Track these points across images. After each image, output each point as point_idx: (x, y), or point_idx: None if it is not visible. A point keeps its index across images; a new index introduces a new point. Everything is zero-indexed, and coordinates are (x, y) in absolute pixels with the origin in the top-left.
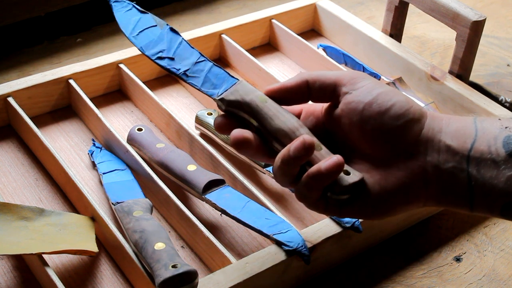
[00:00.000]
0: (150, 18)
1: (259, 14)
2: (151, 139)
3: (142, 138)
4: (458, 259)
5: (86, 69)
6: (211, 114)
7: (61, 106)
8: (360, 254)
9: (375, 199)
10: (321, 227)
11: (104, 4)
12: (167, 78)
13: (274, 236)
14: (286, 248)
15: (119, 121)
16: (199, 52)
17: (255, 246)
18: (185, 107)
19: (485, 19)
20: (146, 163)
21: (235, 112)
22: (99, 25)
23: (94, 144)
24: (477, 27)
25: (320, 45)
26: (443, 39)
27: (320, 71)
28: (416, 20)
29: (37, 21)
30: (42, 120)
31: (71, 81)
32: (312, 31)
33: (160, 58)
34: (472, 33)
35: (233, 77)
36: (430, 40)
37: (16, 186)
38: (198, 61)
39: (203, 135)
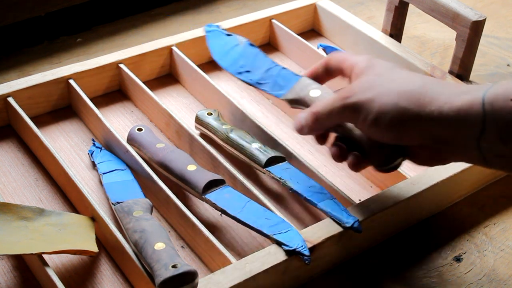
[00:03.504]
0: (234, 39)
1: (259, 14)
2: (151, 139)
3: (142, 138)
4: (458, 259)
5: (86, 69)
6: (211, 114)
7: (61, 106)
8: (360, 254)
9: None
10: (321, 227)
11: (104, 4)
12: (167, 78)
13: (274, 236)
14: (286, 248)
15: (119, 121)
16: (271, 60)
17: (255, 246)
18: (185, 107)
19: (485, 19)
20: (146, 163)
21: (300, 108)
22: (99, 25)
23: (94, 144)
24: (477, 27)
25: (320, 45)
26: (443, 39)
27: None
28: (416, 20)
29: (37, 21)
30: (42, 120)
31: (71, 81)
32: (312, 31)
33: (240, 73)
34: (472, 33)
35: (297, 75)
36: (430, 40)
37: (16, 186)
38: (269, 67)
39: (203, 135)
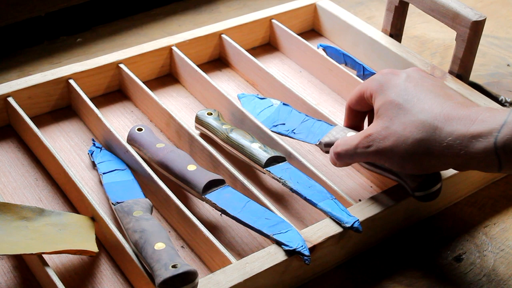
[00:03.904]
0: (268, 101)
1: (259, 14)
2: (151, 139)
3: (142, 138)
4: (458, 259)
5: (86, 69)
6: (211, 114)
7: (61, 106)
8: (360, 254)
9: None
10: (321, 227)
11: (104, 4)
12: (167, 78)
13: (274, 236)
14: (286, 248)
15: (119, 121)
16: (305, 114)
17: (255, 246)
18: (185, 107)
19: (485, 19)
20: (146, 163)
21: None
22: (99, 25)
23: (94, 144)
24: (477, 27)
25: (320, 45)
26: (443, 39)
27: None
28: (416, 20)
29: (37, 21)
30: (42, 120)
31: (71, 81)
32: (312, 31)
33: (275, 125)
34: (472, 33)
35: (331, 124)
36: (430, 40)
37: (16, 186)
38: (303, 121)
39: (203, 135)
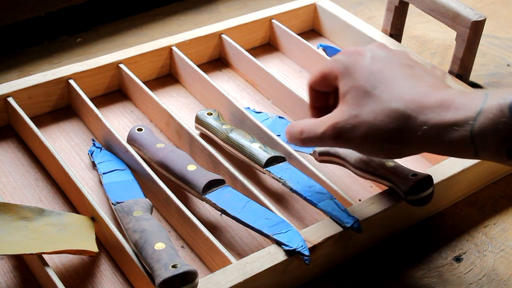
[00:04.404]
0: (264, 114)
1: (259, 14)
2: (151, 139)
3: (142, 138)
4: (458, 259)
5: (86, 69)
6: (211, 114)
7: (61, 106)
8: (360, 254)
9: None
10: (321, 227)
11: (104, 4)
12: (167, 78)
13: (274, 236)
14: (286, 248)
15: (119, 121)
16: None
17: (255, 246)
18: (185, 107)
19: (485, 19)
20: (146, 163)
21: (330, 161)
22: (99, 25)
23: (94, 144)
24: (477, 27)
25: (320, 45)
26: (443, 39)
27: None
28: (416, 20)
29: (37, 21)
30: (42, 120)
31: (71, 81)
32: (312, 31)
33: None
34: (472, 33)
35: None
36: (430, 40)
37: (16, 186)
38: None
39: (203, 135)
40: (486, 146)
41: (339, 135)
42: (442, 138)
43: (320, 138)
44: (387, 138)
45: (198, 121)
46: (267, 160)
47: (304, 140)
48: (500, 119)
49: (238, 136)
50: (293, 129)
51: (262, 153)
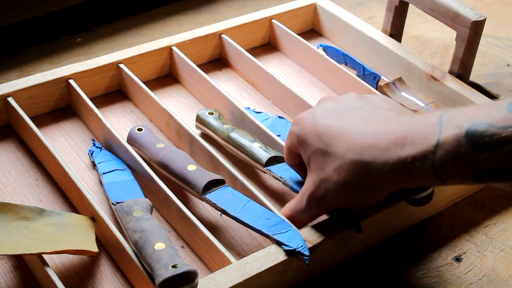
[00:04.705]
0: (264, 114)
1: (259, 14)
2: (151, 139)
3: (142, 138)
4: (458, 259)
5: (86, 69)
6: (212, 113)
7: (61, 106)
8: (360, 254)
9: None
10: (321, 227)
11: (104, 4)
12: (167, 78)
13: (274, 236)
14: (286, 248)
15: (119, 121)
16: None
17: (255, 246)
18: (185, 107)
19: (485, 19)
20: (146, 163)
21: None
22: (99, 25)
23: (94, 144)
24: (477, 27)
25: (320, 45)
26: (443, 39)
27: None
28: (416, 20)
29: (37, 21)
30: (42, 120)
31: (71, 81)
32: (312, 31)
33: None
34: (472, 33)
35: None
36: (430, 40)
37: (16, 186)
38: None
39: (203, 135)
40: (451, 175)
41: (318, 203)
42: (406, 175)
43: (308, 213)
44: (354, 189)
45: (199, 120)
46: (267, 160)
47: (298, 221)
48: (459, 150)
49: (239, 136)
50: (285, 216)
51: (263, 153)
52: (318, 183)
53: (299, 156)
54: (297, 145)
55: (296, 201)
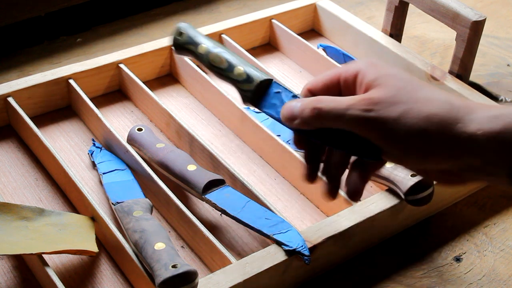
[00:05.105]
0: (264, 114)
1: (259, 14)
2: (151, 139)
3: (142, 138)
4: (458, 259)
5: (86, 69)
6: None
7: (61, 106)
8: (360, 254)
9: None
10: (321, 227)
11: (104, 4)
12: (167, 78)
13: (274, 236)
14: (286, 248)
15: (119, 121)
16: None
17: (255, 246)
18: (185, 107)
19: (485, 19)
20: (146, 163)
21: None
22: (99, 25)
23: (94, 144)
24: (477, 27)
25: (320, 45)
26: (443, 39)
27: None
28: (416, 20)
29: (37, 21)
30: (42, 120)
31: (71, 81)
32: (312, 31)
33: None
34: (472, 33)
35: None
36: (430, 40)
37: (16, 186)
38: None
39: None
40: None
41: (371, 109)
42: (484, 130)
43: (345, 109)
44: (426, 124)
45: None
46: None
47: (322, 109)
48: None
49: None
50: (305, 102)
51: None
52: (385, 96)
53: (337, 86)
54: (360, 68)
55: (332, 98)
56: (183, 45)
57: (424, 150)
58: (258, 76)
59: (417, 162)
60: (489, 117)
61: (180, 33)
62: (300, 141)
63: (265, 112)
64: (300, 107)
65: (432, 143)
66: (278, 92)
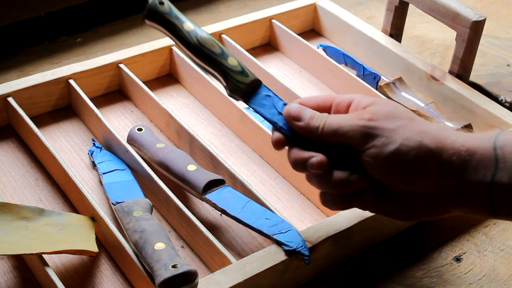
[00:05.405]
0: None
1: (259, 14)
2: (151, 139)
3: (142, 138)
4: (458, 259)
5: (86, 69)
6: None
7: (61, 106)
8: (360, 254)
9: (397, 200)
10: (321, 227)
11: (104, 4)
12: (167, 78)
13: (274, 236)
14: (286, 248)
15: (119, 121)
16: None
17: (255, 246)
18: (185, 107)
19: (485, 19)
20: (146, 163)
21: None
22: (99, 25)
23: (94, 144)
24: (477, 27)
25: (320, 45)
26: (443, 39)
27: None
28: (416, 20)
29: (37, 21)
30: (42, 120)
31: (71, 81)
32: (312, 31)
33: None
34: (472, 33)
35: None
36: (430, 40)
37: (16, 186)
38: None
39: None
40: (506, 162)
41: (372, 119)
42: (468, 147)
43: (347, 120)
44: (420, 140)
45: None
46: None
47: (320, 131)
48: None
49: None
50: (316, 113)
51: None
52: (381, 109)
53: (328, 106)
54: (354, 97)
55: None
56: (163, 15)
57: (416, 164)
58: (252, 73)
59: (404, 179)
60: (470, 137)
61: (161, 2)
62: (281, 143)
63: (253, 108)
64: (311, 114)
65: (425, 158)
66: (269, 96)
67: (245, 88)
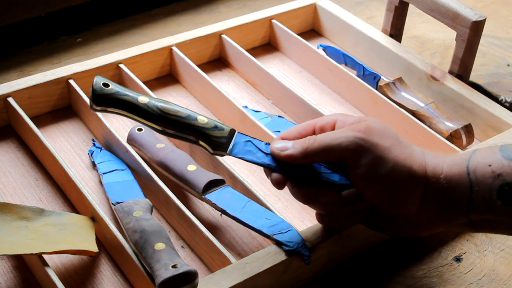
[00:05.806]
0: (263, 113)
1: (259, 14)
2: (151, 139)
3: (142, 138)
4: (458, 259)
5: (86, 69)
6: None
7: (61, 106)
8: (360, 254)
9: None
10: (321, 227)
11: (104, 4)
12: (167, 78)
13: (274, 236)
14: (286, 248)
15: (119, 121)
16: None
17: (255, 246)
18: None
19: (485, 19)
20: (146, 163)
21: None
22: (99, 25)
23: (94, 144)
24: (477, 27)
25: (320, 45)
26: (443, 39)
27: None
28: (416, 20)
29: (37, 21)
30: (42, 120)
31: (71, 81)
32: (312, 31)
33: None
34: (472, 33)
35: None
36: (430, 40)
37: (16, 186)
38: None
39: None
40: (479, 184)
41: (367, 132)
42: (446, 174)
43: (342, 136)
44: (410, 162)
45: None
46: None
47: (312, 149)
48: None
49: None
50: (297, 140)
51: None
52: (382, 130)
53: (312, 131)
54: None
55: (333, 133)
56: (113, 95)
57: (405, 184)
58: (225, 125)
59: (395, 198)
60: (448, 164)
61: (105, 84)
62: (281, 183)
63: (241, 158)
64: (294, 143)
65: (413, 180)
66: (248, 141)
67: (226, 141)
